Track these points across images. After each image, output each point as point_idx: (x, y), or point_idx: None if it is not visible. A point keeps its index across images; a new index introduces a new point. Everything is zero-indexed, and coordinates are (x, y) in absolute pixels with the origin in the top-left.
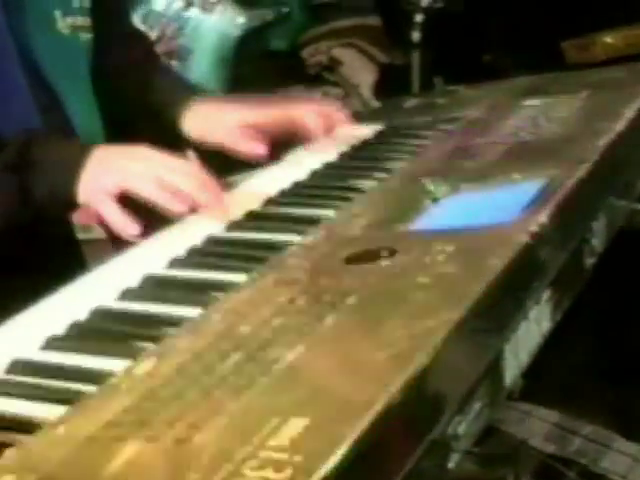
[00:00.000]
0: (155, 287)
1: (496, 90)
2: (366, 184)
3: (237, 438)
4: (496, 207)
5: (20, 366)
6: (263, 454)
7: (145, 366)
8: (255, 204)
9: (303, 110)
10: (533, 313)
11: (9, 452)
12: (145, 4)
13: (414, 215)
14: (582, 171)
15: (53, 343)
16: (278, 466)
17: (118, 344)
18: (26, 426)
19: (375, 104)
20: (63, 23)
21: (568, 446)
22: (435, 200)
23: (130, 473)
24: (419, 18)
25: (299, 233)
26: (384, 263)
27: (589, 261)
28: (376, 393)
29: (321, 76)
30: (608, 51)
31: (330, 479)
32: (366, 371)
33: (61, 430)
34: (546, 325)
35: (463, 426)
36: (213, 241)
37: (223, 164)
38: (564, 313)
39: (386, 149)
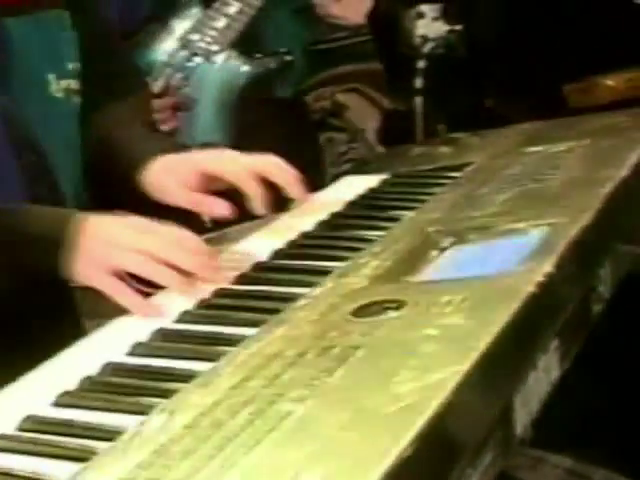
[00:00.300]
0: (165, 341)
1: (499, 137)
2: (373, 234)
3: None
4: (501, 256)
5: (32, 422)
6: None
7: (157, 422)
8: (264, 255)
9: (234, 167)
10: (541, 363)
11: None
12: (149, 54)
13: (421, 265)
14: (586, 219)
15: (64, 399)
16: None
17: (129, 399)
18: None
19: (380, 149)
20: (57, 86)
21: None
22: (441, 250)
23: None
24: (421, 64)
25: (307, 285)
26: (392, 315)
27: (596, 308)
28: (388, 446)
29: (326, 121)
30: (611, 94)
31: None
32: (377, 424)
33: None
34: (555, 374)
35: (475, 477)
36: (222, 294)
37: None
38: (573, 360)
39: (392, 198)
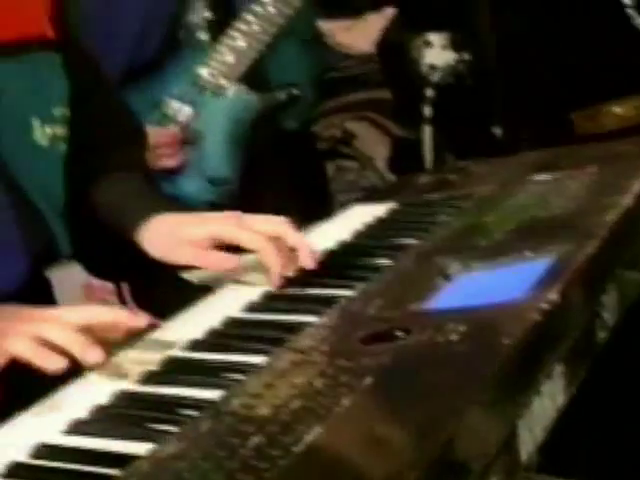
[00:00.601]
0: (177, 370)
1: (506, 166)
2: (380, 262)
3: None
4: (507, 285)
5: (45, 450)
6: None
7: (169, 449)
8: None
9: (250, 235)
10: (546, 388)
11: None
12: (158, 89)
13: (428, 294)
14: (591, 247)
15: (77, 427)
16: None
17: (141, 427)
18: None
19: (390, 177)
20: (41, 133)
21: None
22: (448, 278)
23: None
24: (429, 93)
25: (316, 313)
26: (399, 343)
27: (601, 335)
28: (394, 473)
29: (336, 149)
30: (618, 121)
31: None
32: (384, 451)
33: None
34: (561, 399)
35: None
36: (232, 323)
37: None
38: (579, 386)
39: (400, 227)
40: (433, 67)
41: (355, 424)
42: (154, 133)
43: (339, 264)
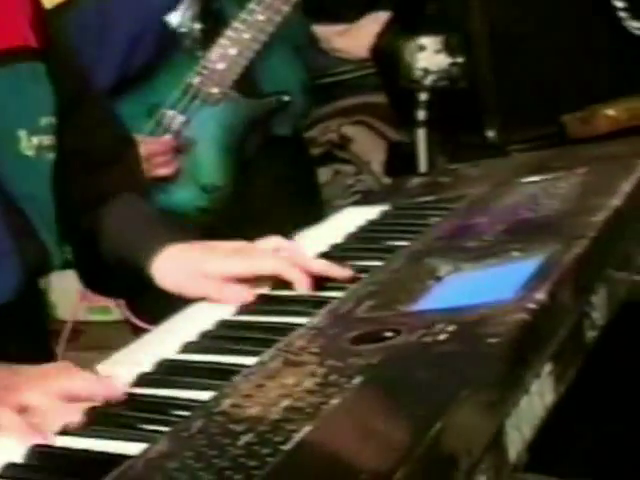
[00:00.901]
0: (169, 372)
1: (497, 168)
2: (371, 264)
3: None
4: (496, 285)
5: (38, 452)
6: None
7: (160, 448)
8: (265, 287)
9: (275, 265)
10: (535, 387)
11: None
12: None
13: (417, 295)
14: (580, 247)
15: (70, 428)
16: None
17: (133, 428)
18: None
19: (387, 181)
20: (28, 144)
21: None
22: (438, 279)
23: None
24: (423, 97)
25: (306, 315)
26: (388, 343)
27: (590, 334)
28: (383, 471)
29: (332, 154)
30: (610, 124)
31: None
32: (373, 449)
33: None
34: (549, 398)
35: None
36: (225, 325)
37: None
38: (568, 385)
39: (390, 229)
40: (427, 71)
41: (344, 423)
42: (148, 142)
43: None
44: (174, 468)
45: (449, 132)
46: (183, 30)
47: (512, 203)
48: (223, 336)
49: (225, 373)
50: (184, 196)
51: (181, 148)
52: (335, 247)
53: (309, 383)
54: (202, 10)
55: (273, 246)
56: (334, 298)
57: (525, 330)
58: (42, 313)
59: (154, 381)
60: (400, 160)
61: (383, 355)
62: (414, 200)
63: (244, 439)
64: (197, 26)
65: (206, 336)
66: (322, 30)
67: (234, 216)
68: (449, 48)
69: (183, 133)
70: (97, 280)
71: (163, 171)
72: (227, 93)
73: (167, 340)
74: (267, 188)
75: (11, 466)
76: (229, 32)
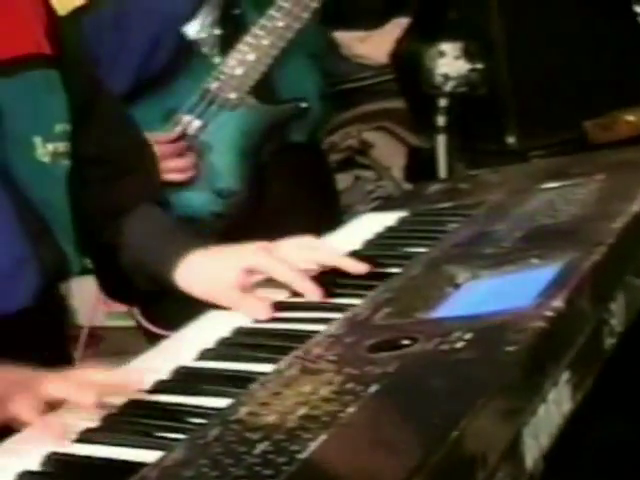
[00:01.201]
0: (186, 379)
1: (517, 174)
2: (389, 271)
3: None
4: (514, 293)
5: (55, 459)
6: None
7: (176, 456)
8: (283, 294)
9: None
10: (552, 395)
11: None
12: (168, 101)
13: (435, 302)
14: (598, 254)
15: (87, 435)
16: None
17: (150, 436)
18: None
19: (407, 187)
20: (43, 150)
21: None
22: (456, 286)
23: None
24: (443, 102)
25: (324, 322)
26: (406, 351)
27: (609, 341)
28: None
29: (353, 159)
30: (631, 129)
31: None
32: (389, 459)
33: None
34: (567, 406)
35: None
36: (242, 332)
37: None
38: (586, 393)
39: (408, 236)
40: (447, 77)
41: (360, 431)
42: (160, 143)
43: (347, 273)
44: (189, 477)
45: (469, 138)
46: (202, 35)
47: (530, 209)
48: (240, 343)
49: (242, 381)
50: (199, 201)
51: (197, 153)
52: (353, 254)
53: (326, 391)
54: (221, 16)
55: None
56: (351, 305)
57: (543, 338)
58: (61, 319)
59: (171, 388)
60: (420, 166)
61: (400, 363)
62: (432, 206)
63: (260, 447)
64: (216, 32)
65: (223, 343)
66: (343, 36)
67: (249, 222)
68: (469, 54)
69: (199, 138)
70: (117, 289)
71: (176, 176)
72: (244, 99)
73: (184, 347)
74: (283, 194)
75: (27, 474)
76: (248, 38)
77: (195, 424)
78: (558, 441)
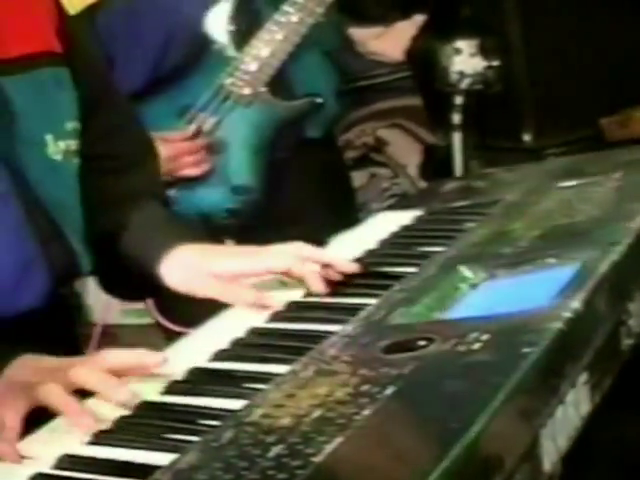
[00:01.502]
0: (200, 380)
1: (533, 173)
2: (405, 271)
3: None
4: (531, 293)
5: (67, 461)
6: None
7: (189, 459)
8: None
9: (284, 260)
10: (570, 397)
11: None
12: (183, 98)
13: (451, 302)
14: (616, 254)
15: (100, 437)
16: None
17: (163, 437)
18: None
19: (423, 184)
20: (55, 148)
21: None
22: (472, 286)
23: None
24: (459, 100)
25: (340, 322)
26: (422, 352)
27: (627, 342)
28: None
29: (368, 157)
30: None
31: None
32: (405, 461)
33: None
34: (585, 408)
35: None
36: (256, 332)
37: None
38: (604, 395)
39: (424, 235)
40: (462, 74)
41: (376, 434)
42: (176, 141)
43: (363, 273)
44: None
45: (484, 136)
46: (216, 31)
47: (547, 208)
48: (254, 344)
49: (256, 382)
50: (214, 197)
51: (212, 149)
52: (369, 253)
53: (341, 393)
54: (236, 11)
55: (291, 250)
56: (367, 305)
57: (560, 339)
58: (72, 317)
59: (184, 390)
60: (436, 163)
61: (416, 364)
62: (448, 205)
63: (274, 450)
64: (231, 27)
65: (237, 344)
66: (358, 33)
67: (264, 218)
68: (485, 51)
69: (214, 134)
70: (115, 283)
71: (191, 171)
72: (259, 94)
73: (198, 348)
74: (298, 191)
75: (39, 476)
76: (262, 33)
77: (209, 426)
78: (576, 443)
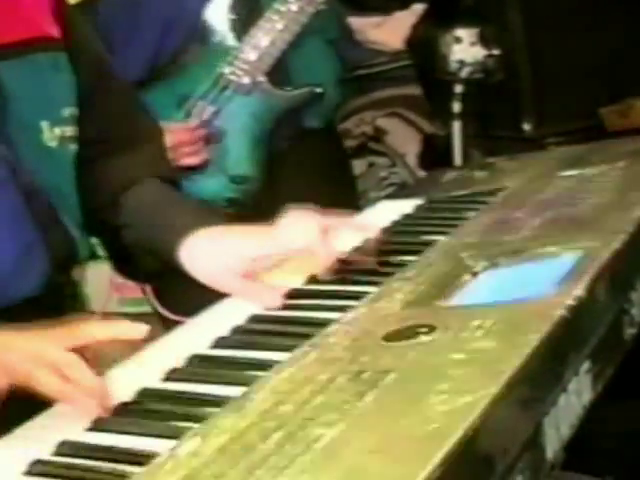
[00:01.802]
0: (200, 367)
1: (534, 162)
2: (406, 259)
3: None
4: (533, 281)
5: (67, 447)
6: None
7: (189, 446)
8: (298, 281)
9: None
10: (572, 385)
11: None
12: (181, 86)
13: (453, 290)
14: (618, 242)
15: (100, 424)
16: None
17: (163, 424)
18: None
19: (421, 174)
20: (50, 134)
21: None
22: (474, 274)
23: None
24: (459, 89)
25: (340, 310)
26: (423, 339)
27: (629, 331)
28: (416, 469)
29: (367, 146)
30: None
31: None
32: (406, 448)
33: None
34: (587, 396)
35: None
36: (256, 320)
37: None
38: (606, 383)
39: (425, 224)
40: (462, 63)
41: (376, 421)
42: (177, 130)
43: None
44: (202, 465)
45: (484, 125)
46: (216, 20)
47: (549, 197)
48: (255, 331)
49: (256, 369)
50: (213, 186)
51: (210, 138)
52: (368, 242)
53: (342, 380)
54: (236, 0)
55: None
56: (368, 293)
57: (563, 327)
58: (71, 305)
59: (185, 376)
60: (435, 153)
61: (417, 352)
62: (449, 194)
63: (275, 437)
64: (231, 16)
65: (238, 331)
66: (357, 22)
67: (263, 208)
68: (485, 40)
69: (213, 123)
70: (125, 265)
71: (190, 160)
72: (258, 83)
73: (198, 335)
74: (298, 180)
75: (39, 462)
76: (262, 22)
77: (209, 412)
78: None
